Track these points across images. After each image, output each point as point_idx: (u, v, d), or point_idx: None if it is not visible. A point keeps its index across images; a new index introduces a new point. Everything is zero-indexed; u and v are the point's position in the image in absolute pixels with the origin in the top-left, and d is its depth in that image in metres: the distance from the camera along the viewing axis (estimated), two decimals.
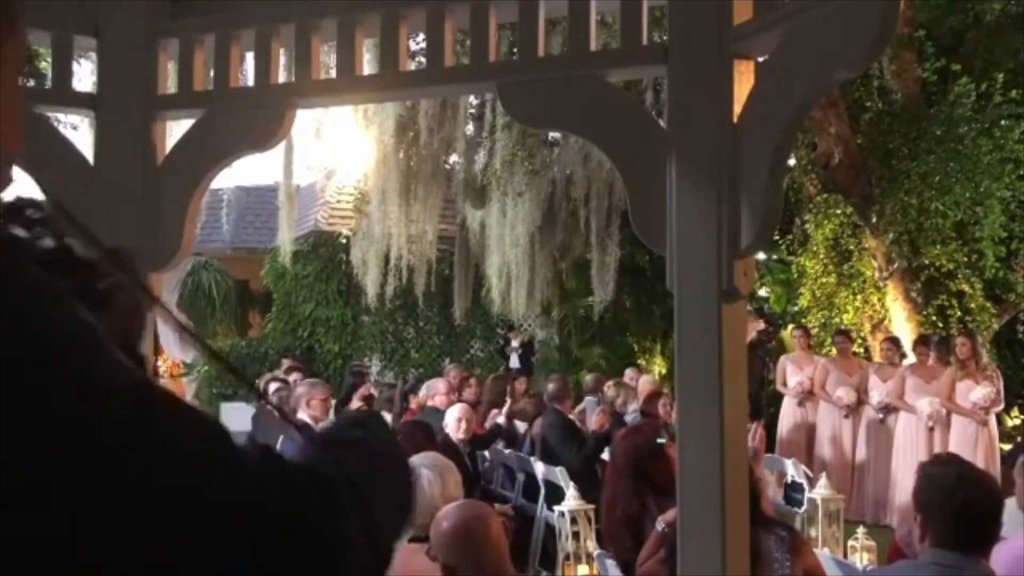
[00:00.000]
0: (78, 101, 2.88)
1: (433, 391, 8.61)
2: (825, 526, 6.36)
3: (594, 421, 7.62)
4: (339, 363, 15.12)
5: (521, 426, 9.02)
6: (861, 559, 5.20)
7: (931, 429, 8.67)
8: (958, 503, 2.55)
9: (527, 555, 6.72)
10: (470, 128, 12.87)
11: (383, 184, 12.54)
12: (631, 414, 8.41)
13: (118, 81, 2.79)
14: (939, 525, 2.57)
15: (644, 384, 9.45)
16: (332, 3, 2.74)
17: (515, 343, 15.09)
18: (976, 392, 8.45)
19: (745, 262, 2.22)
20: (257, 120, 2.76)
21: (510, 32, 3.50)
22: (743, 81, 2.22)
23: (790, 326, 12.08)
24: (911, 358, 9.24)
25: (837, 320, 10.79)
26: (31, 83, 6.10)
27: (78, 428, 0.71)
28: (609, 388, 8.93)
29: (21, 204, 1.03)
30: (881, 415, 9.11)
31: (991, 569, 2.61)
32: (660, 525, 3.90)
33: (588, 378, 10.25)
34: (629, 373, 10.78)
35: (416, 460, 3.51)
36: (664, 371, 13.42)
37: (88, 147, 2.82)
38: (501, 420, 8.44)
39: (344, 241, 15.07)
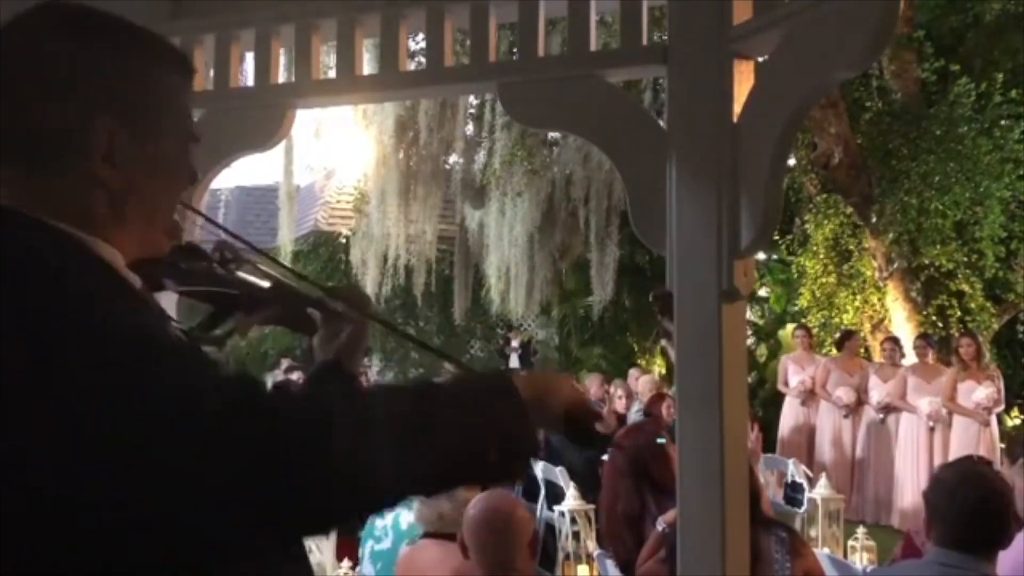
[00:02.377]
0: None
1: None
2: (825, 526, 6.36)
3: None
4: None
5: None
6: (861, 559, 5.21)
7: (932, 429, 8.67)
8: (964, 502, 2.54)
9: None
10: (470, 128, 12.86)
11: (383, 184, 12.53)
12: (634, 414, 8.42)
13: None
14: (944, 524, 2.57)
15: (644, 384, 9.45)
16: (332, 3, 2.73)
17: (515, 343, 15.09)
18: (979, 392, 8.44)
19: (745, 262, 2.22)
20: (257, 120, 2.76)
21: (510, 32, 3.50)
22: (743, 81, 2.22)
23: (790, 326, 12.09)
24: (911, 358, 9.24)
25: (837, 320, 10.79)
26: None
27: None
28: (616, 389, 8.98)
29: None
30: (881, 415, 9.11)
31: (996, 572, 2.60)
32: (660, 525, 3.90)
33: (589, 379, 10.25)
34: (633, 373, 10.79)
35: None
36: (664, 371, 13.41)
37: None
38: None
39: (344, 241, 15.06)
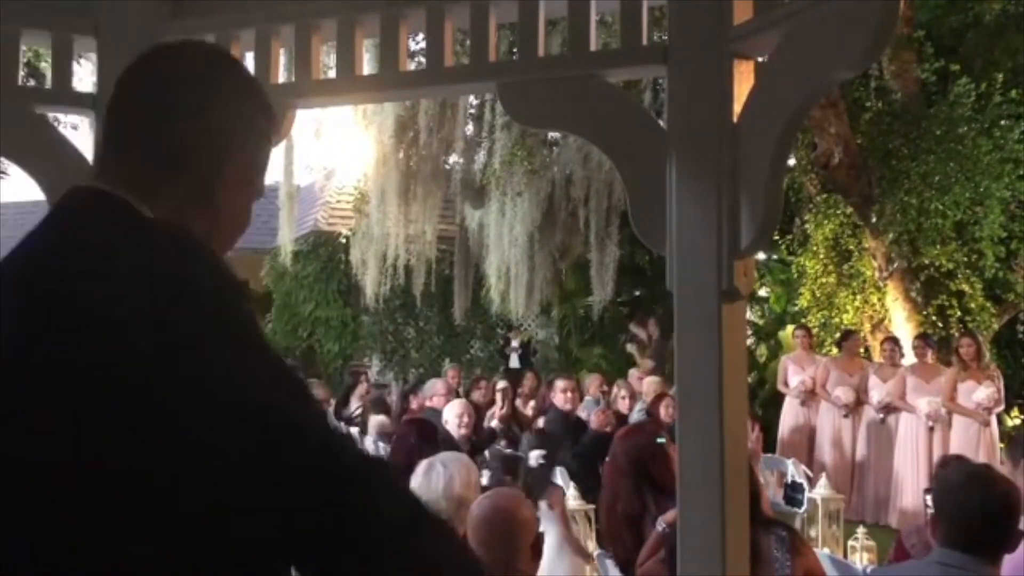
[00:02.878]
0: (78, 101, 2.87)
1: (432, 391, 8.61)
2: (825, 526, 6.36)
3: (594, 421, 7.62)
4: (339, 363, 15.10)
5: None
6: (861, 559, 5.21)
7: (931, 429, 8.67)
8: (967, 503, 2.53)
9: None
10: (470, 128, 12.86)
11: (382, 184, 12.53)
12: (636, 414, 8.43)
13: None
14: (948, 524, 2.55)
15: (649, 384, 9.45)
16: (332, 3, 2.73)
17: (515, 343, 15.07)
18: (979, 392, 8.44)
19: (745, 262, 2.22)
20: None
21: (510, 32, 3.50)
22: (743, 81, 2.21)
23: (790, 326, 12.10)
24: (910, 358, 9.24)
25: (837, 320, 10.79)
26: (31, 83, 6.11)
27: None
28: (619, 389, 8.99)
29: None
30: (881, 415, 9.11)
31: (999, 575, 2.58)
32: (660, 525, 3.90)
33: (589, 379, 10.26)
34: (634, 373, 10.78)
35: (440, 456, 3.58)
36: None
37: (88, 147, 2.82)
38: (495, 424, 8.44)
39: (344, 241, 15.06)
